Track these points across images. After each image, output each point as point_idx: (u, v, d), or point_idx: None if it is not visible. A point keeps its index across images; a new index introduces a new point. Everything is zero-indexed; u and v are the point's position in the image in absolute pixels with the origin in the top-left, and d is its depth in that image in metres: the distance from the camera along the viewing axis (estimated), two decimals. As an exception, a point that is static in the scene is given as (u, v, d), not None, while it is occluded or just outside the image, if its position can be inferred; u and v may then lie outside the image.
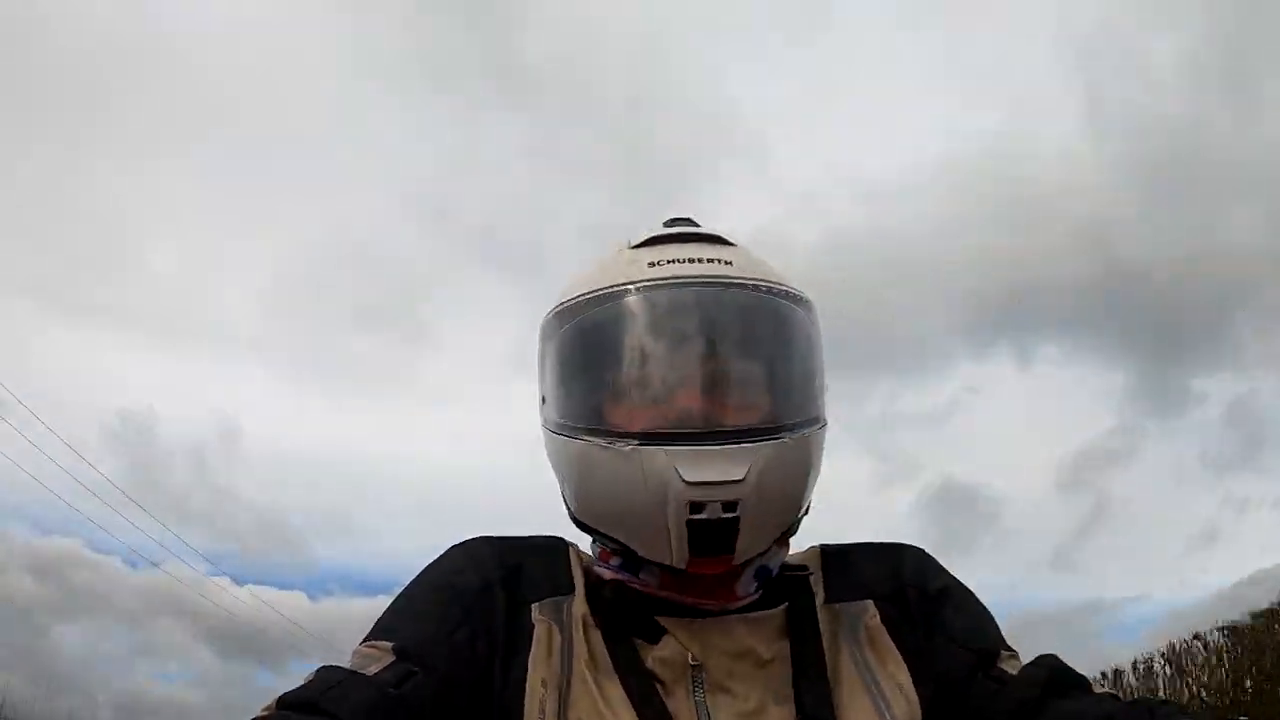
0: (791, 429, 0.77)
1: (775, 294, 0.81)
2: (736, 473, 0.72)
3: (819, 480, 0.83)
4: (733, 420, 0.75)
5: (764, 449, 0.74)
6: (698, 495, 0.72)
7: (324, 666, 0.70)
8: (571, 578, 0.82)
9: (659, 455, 0.73)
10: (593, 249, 0.92)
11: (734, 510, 0.72)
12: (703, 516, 0.72)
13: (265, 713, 0.66)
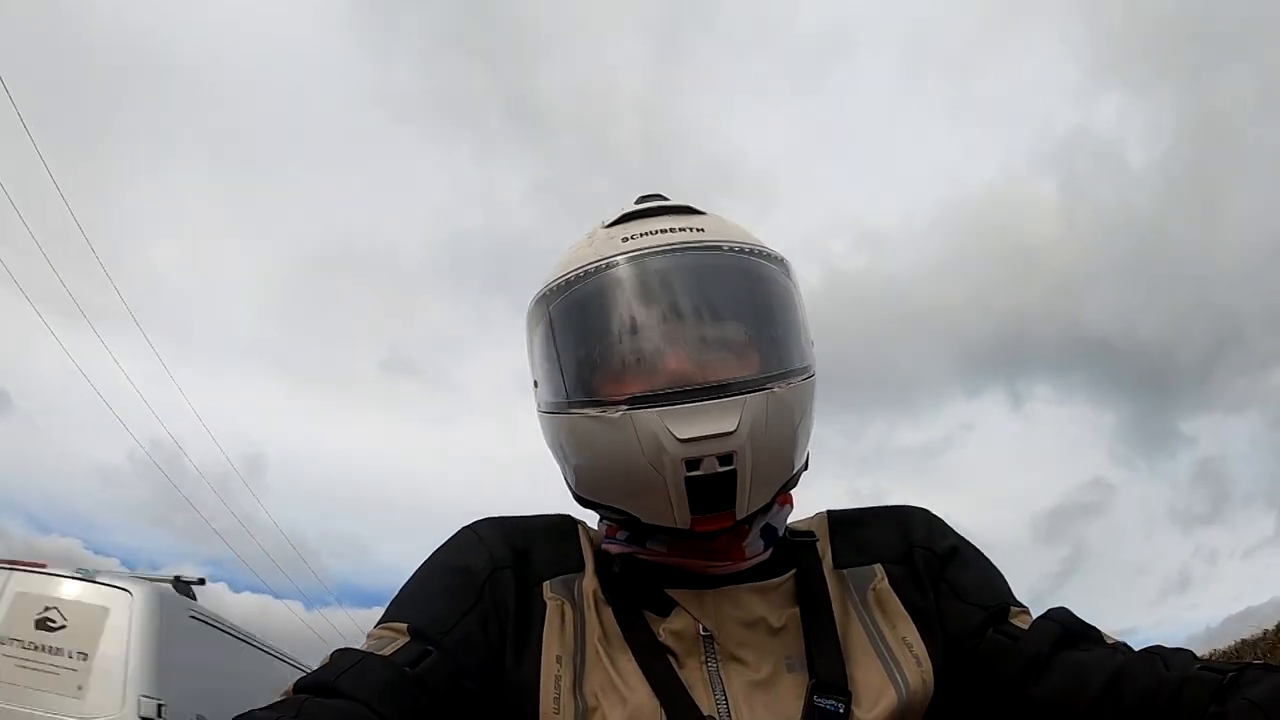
0: (779, 379, 0.77)
1: (749, 253, 0.83)
2: (728, 425, 0.73)
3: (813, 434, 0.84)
4: (719, 375, 0.76)
5: (753, 400, 0.74)
6: (692, 451, 0.72)
7: (340, 649, 0.71)
8: (581, 555, 0.83)
9: (650, 417, 0.73)
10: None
11: (730, 463, 0.73)
12: (699, 473, 0.73)
13: (283, 696, 0.67)
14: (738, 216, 0.88)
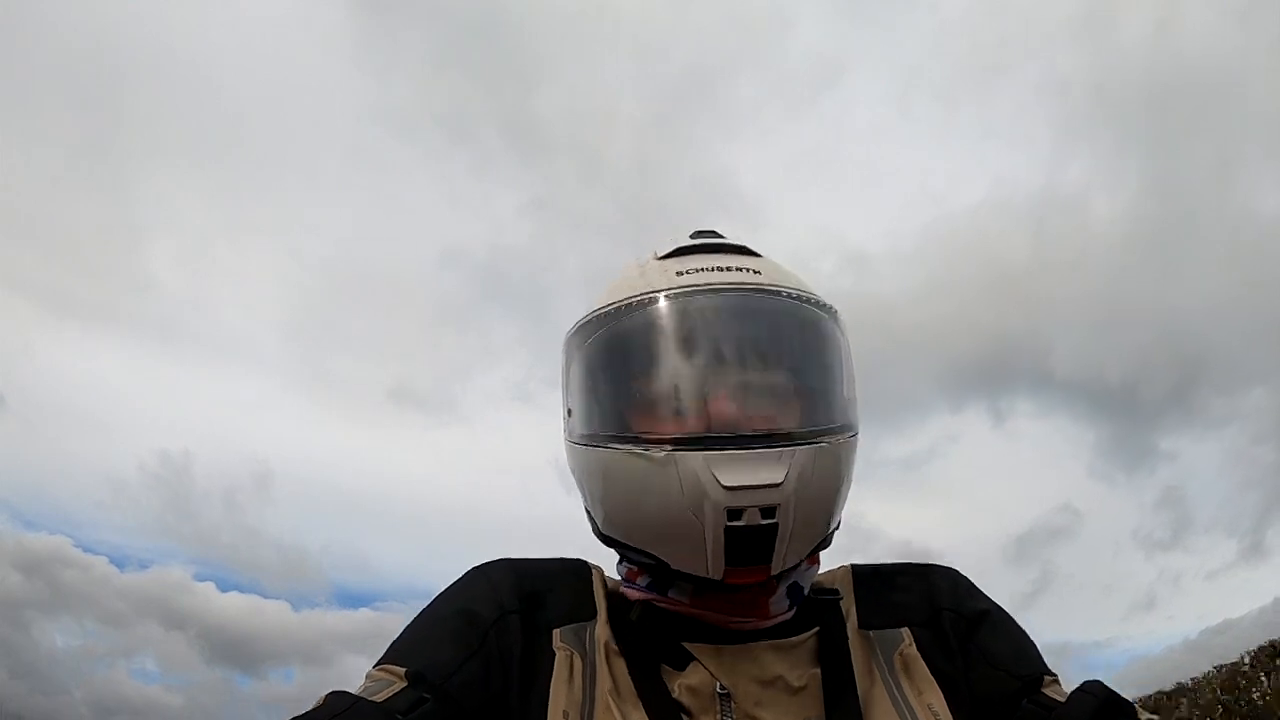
0: (829, 433, 0.75)
1: (805, 302, 0.80)
2: (776, 476, 0.70)
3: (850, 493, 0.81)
4: (770, 425, 0.73)
5: (802, 453, 0.72)
6: (736, 501, 0.69)
7: (333, 691, 0.67)
8: (594, 602, 0.79)
9: (695, 460, 0.70)
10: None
11: (772, 516, 0.70)
12: (741, 523, 0.70)
13: None
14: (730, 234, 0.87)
